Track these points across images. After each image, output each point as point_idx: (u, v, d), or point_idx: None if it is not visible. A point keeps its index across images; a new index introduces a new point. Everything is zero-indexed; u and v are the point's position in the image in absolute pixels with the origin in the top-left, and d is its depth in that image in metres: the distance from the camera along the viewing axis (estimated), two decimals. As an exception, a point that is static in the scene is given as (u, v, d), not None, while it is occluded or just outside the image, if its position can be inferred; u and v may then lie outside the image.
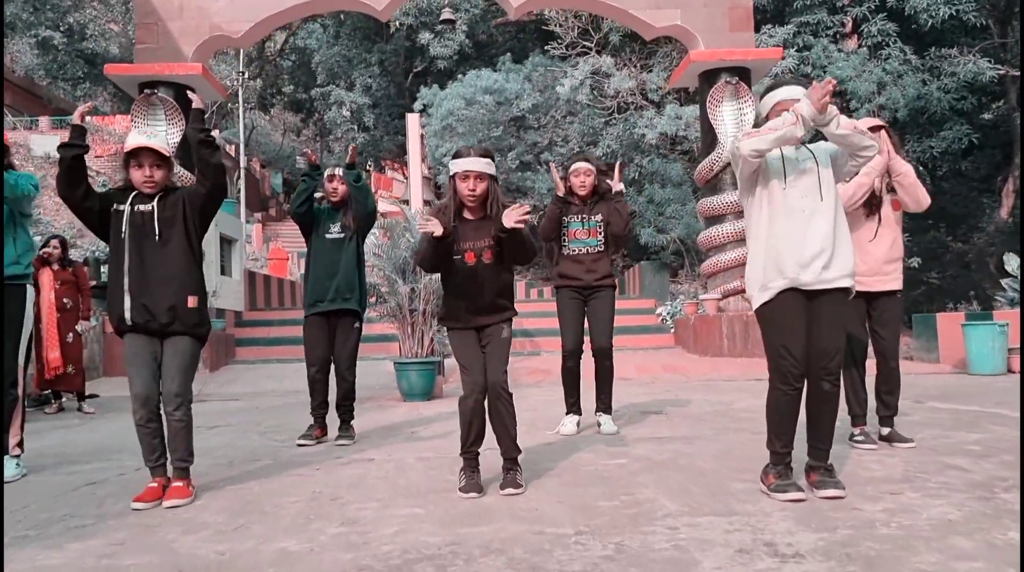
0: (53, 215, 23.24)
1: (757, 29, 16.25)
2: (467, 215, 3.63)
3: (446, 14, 12.84)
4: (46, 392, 8.03)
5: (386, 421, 6.21)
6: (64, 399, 8.17)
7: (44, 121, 32.07)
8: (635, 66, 19.27)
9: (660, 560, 2.43)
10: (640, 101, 18.92)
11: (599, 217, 5.20)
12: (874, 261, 4.33)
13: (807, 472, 3.32)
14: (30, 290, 4.51)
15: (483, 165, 3.56)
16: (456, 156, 3.63)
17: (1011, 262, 10.74)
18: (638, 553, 2.51)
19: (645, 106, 18.76)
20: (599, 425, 5.24)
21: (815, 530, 2.69)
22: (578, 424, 5.29)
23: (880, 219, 4.37)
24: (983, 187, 22.50)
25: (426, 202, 13.71)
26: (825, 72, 16.88)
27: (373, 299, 8.57)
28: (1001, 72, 16.43)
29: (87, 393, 8.20)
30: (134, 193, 3.61)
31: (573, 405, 5.33)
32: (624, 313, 12.99)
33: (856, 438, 4.32)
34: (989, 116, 17.79)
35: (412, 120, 9.21)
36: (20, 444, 4.52)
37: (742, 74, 11.32)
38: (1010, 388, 7.32)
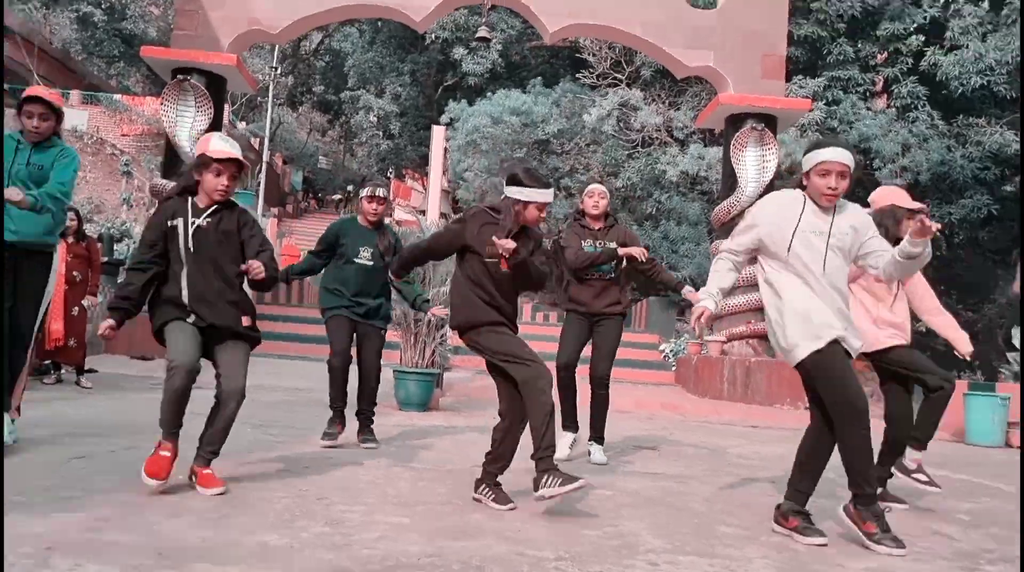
0: (75, 189, 23.43)
1: (788, 79, 16.35)
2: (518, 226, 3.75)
3: (483, 32, 12.94)
4: (46, 362, 8.06)
5: (380, 428, 6.20)
6: (63, 371, 8.19)
7: (75, 95, 32.29)
8: (664, 102, 19.39)
9: (638, 595, 2.43)
10: (665, 137, 19.02)
11: (613, 244, 5.20)
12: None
13: (786, 517, 3.34)
14: (56, 259, 4.54)
15: (551, 196, 3.76)
16: (520, 183, 3.68)
17: (1017, 336, 10.71)
18: (616, 586, 2.51)
19: (669, 143, 18.84)
20: (589, 453, 5.23)
21: (795, 581, 2.69)
22: (572, 443, 5.25)
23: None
24: (999, 259, 22.47)
25: (442, 214, 13.77)
26: (852, 127, 16.95)
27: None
28: (1028, 146, 16.47)
29: (86, 368, 8.23)
30: (190, 204, 3.64)
31: (570, 424, 5.29)
32: (627, 346, 12.94)
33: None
34: (1011, 188, 17.79)
35: (438, 132, 9.32)
36: (18, 409, 4.55)
37: (768, 121, 11.38)
38: (1006, 461, 7.28)
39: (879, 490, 4.33)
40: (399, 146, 31.02)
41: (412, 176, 31.95)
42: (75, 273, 7.92)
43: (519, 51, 26.70)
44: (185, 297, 3.56)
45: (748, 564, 2.86)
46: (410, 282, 5.45)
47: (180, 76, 11.10)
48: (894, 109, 17.43)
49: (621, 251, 5.16)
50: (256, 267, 3.61)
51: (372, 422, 5.32)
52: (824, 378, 3.28)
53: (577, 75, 21.19)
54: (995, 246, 22.24)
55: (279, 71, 31.22)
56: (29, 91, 4.37)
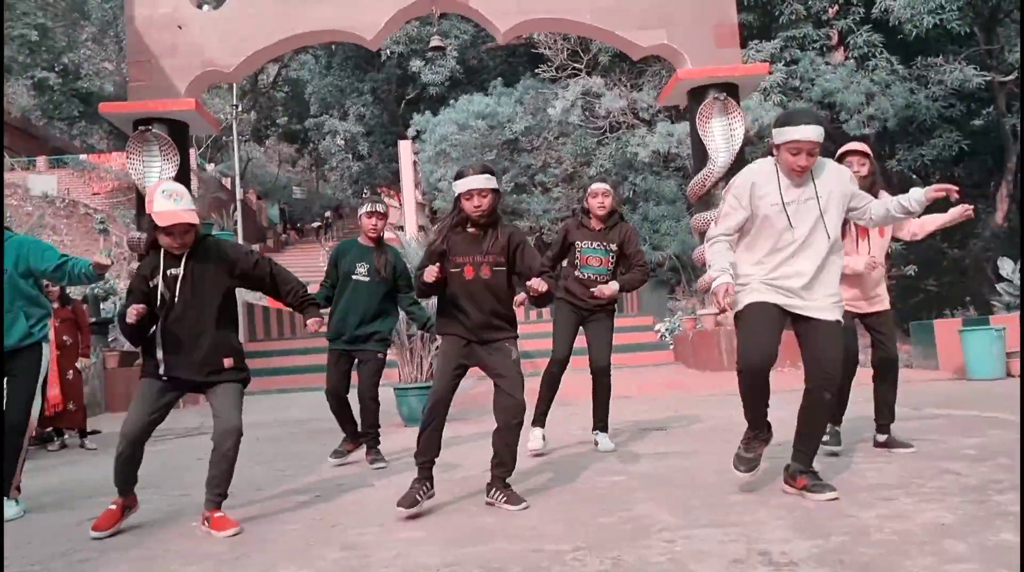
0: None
1: (744, 45, 16.40)
2: (469, 228, 3.71)
3: (435, 41, 12.95)
4: (48, 430, 8.04)
5: (387, 447, 6.20)
6: (66, 436, 8.17)
7: (41, 161, 32.25)
8: (625, 85, 19.43)
9: (655, 570, 2.46)
10: (632, 120, 19.06)
11: (614, 245, 5.20)
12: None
13: (794, 477, 3.38)
14: (45, 347, 4.46)
15: (484, 181, 3.66)
16: (458, 177, 3.74)
17: (1005, 266, 10.79)
18: (634, 567, 2.53)
19: (637, 124, 18.89)
20: (596, 443, 5.26)
21: (809, 537, 2.72)
22: (544, 437, 5.26)
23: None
24: (977, 193, 22.58)
25: (420, 227, 13.79)
26: (813, 84, 17.03)
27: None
28: (988, 79, 16.56)
29: (89, 429, 8.21)
30: (162, 255, 3.63)
31: (541, 416, 5.27)
32: (623, 331, 13.00)
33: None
34: (980, 122, 17.91)
35: (404, 147, 9.34)
36: (18, 488, 4.54)
37: (730, 90, 11.41)
38: (1008, 392, 7.33)
39: (884, 437, 4.39)
40: (370, 166, 30.98)
41: (386, 193, 31.95)
42: (65, 337, 7.90)
43: (476, 55, 26.71)
44: (160, 355, 3.59)
45: (762, 527, 2.89)
46: (419, 304, 5.50)
47: (142, 127, 11.07)
48: (852, 60, 17.49)
49: (595, 291, 5.12)
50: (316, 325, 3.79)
51: (378, 443, 5.34)
52: (740, 324, 3.47)
53: (536, 71, 21.23)
54: (971, 180, 22.36)
55: (240, 108, 31.17)
56: None
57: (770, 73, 15.24)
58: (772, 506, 3.22)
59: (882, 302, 4.52)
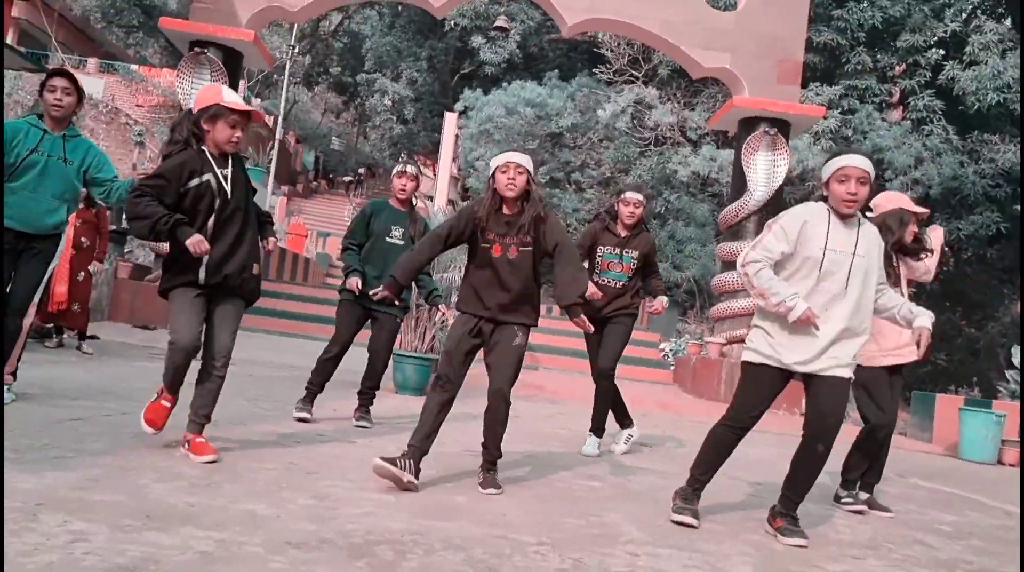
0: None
1: (805, 85, 16.31)
2: (504, 209, 3.70)
3: (501, 21, 12.95)
4: (48, 325, 8.12)
5: (375, 410, 6.25)
6: (65, 335, 8.25)
7: (92, 63, 32.38)
8: (679, 102, 19.36)
9: (613, 581, 2.47)
10: (678, 137, 19.00)
11: (635, 253, 5.19)
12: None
13: (775, 517, 3.39)
14: (63, 238, 4.62)
15: (523, 159, 3.67)
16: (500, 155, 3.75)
17: (1017, 355, 10.71)
18: (593, 568, 2.54)
19: (682, 143, 18.83)
20: (586, 442, 5.27)
21: (769, 578, 2.72)
22: (627, 439, 5.46)
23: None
24: (1005, 277, 22.42)
25: (450, 201, 13.79)
26: (865, 138, 16.91)
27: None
28: (1041, 165, 16.42)
29: (89, 334, 8.29)
30: (208, 156, 3.57)
31: (626, 422, 5.46)
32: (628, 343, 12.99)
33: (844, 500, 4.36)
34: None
35: (450, 119, 9.35)
36: (14, 373, 4.61)
37: (782, 126, 11.36)
38: (996, 478, 7.29)
39: (867, 496, 4.37)
40: (412, 131, 31.03)
41: (423, 161, 31.99)
42: (83, 239, 7.97)
43: (537, 43, 26.65)
44: (211, 257, 3.52)
45: (726, 560, 2.89)
46: (428, 274, 5.49)
47: (197, 49, 11.12)
48: (909, 121, 17.38)
49: (652, 310, 5.27)
50: (272, 245, 3.84)
51: (372, 403, 5.36)
52: (743, 380, 3.49)
53: (594, 70, 21.17)
54: (1002, 264, 22.17)
55: (296, 50, 31.20)
56: (54, 69, 4.46)
57: (825, 118, 15.15)
58: (739, 541, 3.23)
59: (907, 357, 4.42)
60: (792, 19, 11.55)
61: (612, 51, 20.04)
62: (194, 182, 3.52)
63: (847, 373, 3.35)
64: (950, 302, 23.38)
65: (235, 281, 3.62)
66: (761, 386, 3.41)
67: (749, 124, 11.47)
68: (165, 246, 3.79)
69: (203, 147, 3.58)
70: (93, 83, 30.32)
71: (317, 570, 2.24)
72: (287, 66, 29.59)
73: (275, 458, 3.72)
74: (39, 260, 4.32)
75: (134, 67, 32.93)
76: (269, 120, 33.04)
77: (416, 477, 3.42)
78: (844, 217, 3.37)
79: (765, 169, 11.27)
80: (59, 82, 4.29)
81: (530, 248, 3.68)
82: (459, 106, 22.71)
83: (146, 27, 37.23)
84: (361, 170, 39.00)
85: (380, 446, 4.41)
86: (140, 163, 27.16)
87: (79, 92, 4.43)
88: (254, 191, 3.85)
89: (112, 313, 11.05)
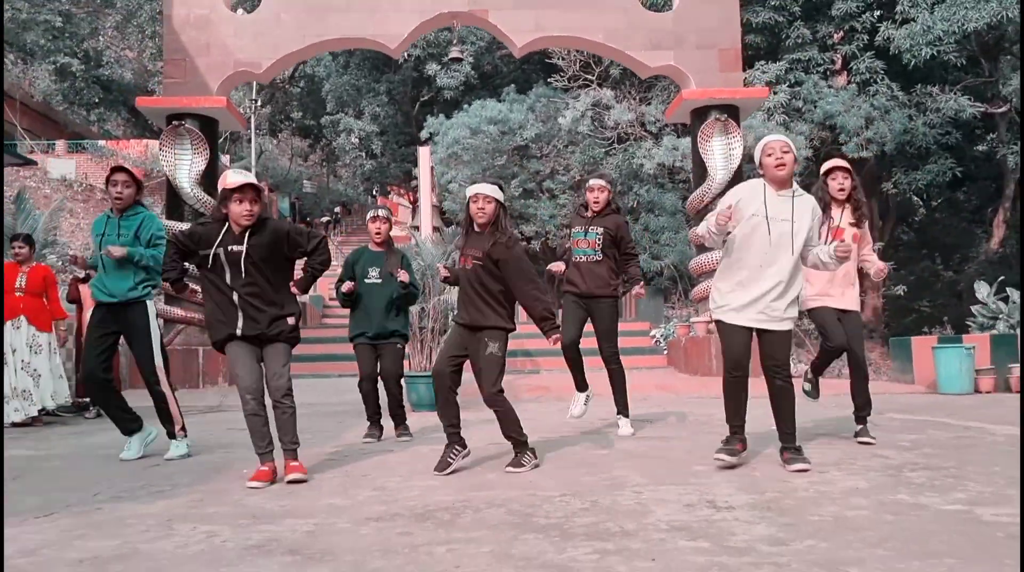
0: (69, 237, 24.00)
1: (751, 65, 17.08)
2: (475, 228, 4.38)
3: (454, 52, 13.64)
4: (85, 399, 8.72)
5: (389, 431, 6.90)
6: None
7: (60, 145, 32.92)
8: (634, 99, 20.08)
9: (623, 511, 3.15)
10: (639, 132, 19.71)
11: (600, 229, 5.64)
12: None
13: (781, 453, 4.10)
14: (150, 305, 5.14)
15: (490, 189, 4.32)
16: (472, 184, 4.45)
17: (981, 290, 11.44)
18: (607, 507, 3.22)
19: (644, 137, 19.54)
20: (619, 426, 5.76)
21: (749, 493, 3.40)
22: (587, 400, 5.64)
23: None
24: (975, 218, 23.22)
25: (435, 228, 14.48)
26: (816, 106, 17.68)
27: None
28: (981, 110, 17.21)
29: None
30: (226, 230, 4.14)
31: (581, 383, 5.71)
32: (620, 335, 13.67)
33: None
34: (984, 148, 18.50)
35: (423, 153, 10.06)
36: (183, 428, 5.22)
37: (731, 111, 12.10)
38: (970, 405, 7.98)
39: (860, 427, 5.06)
40: (382, 164, 31.69)
41: (397, 192, 32.66)
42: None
43: (490, 60, 27.37)
44: (240, 307, 4.12)
45: (714, 487, 3.57)
46: (416, 286, 6.19)
47: (175, 122, 11.76)
48: (855, 85, 18.11)
49: (635, 295, 5.88)
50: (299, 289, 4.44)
51: (405, 418, 6.08)
52: (720, 336, 4.21)
53: (549, 80, 21.87)
54: (970, 205, 22.99)
55: (259, 102, 31.86)
56: (115, 166, 5.22)
57: (774, 93, 15.94)
58: (726, 474, 3.90)
59: (852, 303, 5.11)
60: (725, 9, 12.30)
61: (563, 59, 20.76)
62: (205, 252, 4.16)
63: (787, 326, 4.06)
64: (927, 250, 24.20)
65: (271, 333, 4.21)
66: (736, 334, 4.10)
67: (701, 113, 12.20)
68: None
69: (228, 224, 4.19)
70: (65, 164, 30.84)
71: (395, 532, 2.91)
72: (252, 119, 30.27)
73: (332, 470, 4.38)
74: (137, 330, 5.09)
75: (102, 143, 33.49)
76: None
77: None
78: (779, 187, 4.08)
79: (722, 153, 12.00)
80: (119, 177, 5.10)
81: (482, 263, 4.29)
82: (424, 134, 23.36)
83: (106, 102, 37.85)
84: (337, 209, 39.66)
85: (416, 450, 5.07)
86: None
87: (138, 184, 5.22)
88: (300, 240, 4.35)
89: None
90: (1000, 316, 10.93)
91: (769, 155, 4.08)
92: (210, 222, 4.31)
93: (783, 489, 3.48)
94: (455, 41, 13.45)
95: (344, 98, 31.14)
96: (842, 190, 5.02)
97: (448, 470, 4.14)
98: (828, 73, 18.99)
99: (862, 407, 5.14)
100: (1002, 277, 12.27)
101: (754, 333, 4.11)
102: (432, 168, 12.97)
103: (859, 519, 2.92)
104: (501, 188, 4.42)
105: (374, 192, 32.98)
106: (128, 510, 3.38)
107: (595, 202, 5.68)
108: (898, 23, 17.26)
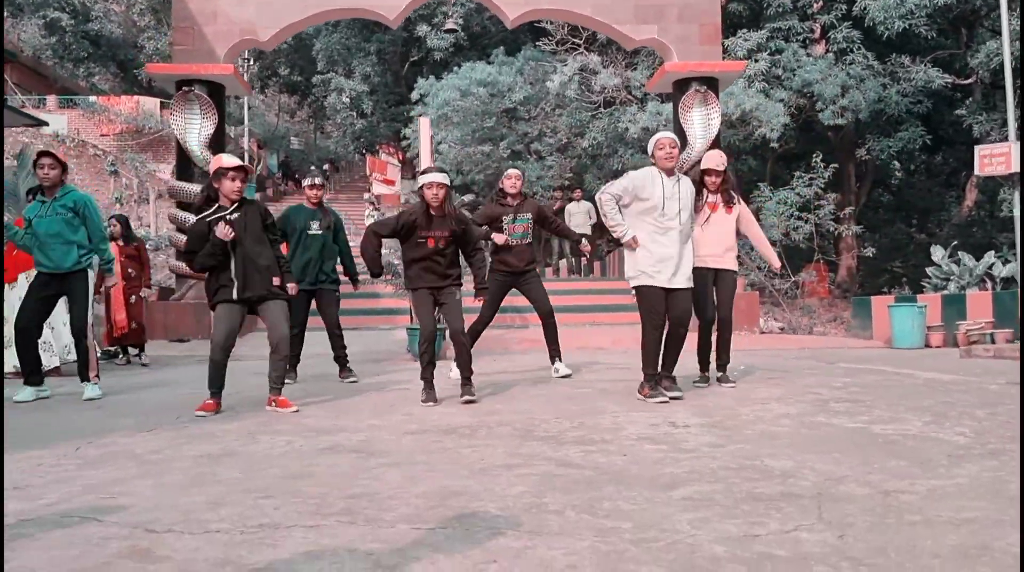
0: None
1: (733, 33, 17.77)
2: (432, 212, 5.31)
3: (450, 24, 14.29)
4: (115, 348, 9.55)
5: (403, 373, 7.78)
6: (131, 353, 9.65)
7: (51, 100, 33.18)
8: (620, 64, 20.75)
9: (603, 428, 4.05)
10: (625, 97, 20.41)
11: (528, 215, 6.75)
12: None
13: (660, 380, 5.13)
14: (90, 274, 6.09)
15: (443, 177, 5.36)
16: (423, 174, 5.43)
17: (936, 253, 12.39)
18: (591, 426, 4.13)
19: (629, 101, 20.25)
20: (556, 370, 6.73)
21: (701, 417, 4.32)
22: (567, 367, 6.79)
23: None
24: (949, 182, 24.11)
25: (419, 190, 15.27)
26: (794, 75, 18.44)
27: (390, 276, 10.13)
28: (949, 81, 18.02)
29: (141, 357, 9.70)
30: (217, 206, 5.03)
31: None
32: (604, 293, 14.65)
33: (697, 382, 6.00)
34: (962, 112, 19.28)
35: (424, 123, 10.75)
36: (97, 375, 6.11)
37: (710, 83, 12.87)
38: (914, 357, 8.93)
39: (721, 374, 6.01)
40: (372, 124, 32.21)
41: (386, 150, 33.21)
42: (129, 270, 9.40)
43: (479, 22, 27.83)
44: (235, 277, 4.98)
45: (674, 413, 4.50)
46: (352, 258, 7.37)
47: (185, 88, 12.41)
48: (832, 54, 18.83)
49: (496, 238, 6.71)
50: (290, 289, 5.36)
51: (347, 361, 6.98)
52: (642, 300, 5.18)
53: (537, 43, 22.45)
54: (946, 169, 23.86)
55: (251, 61, 32.18)
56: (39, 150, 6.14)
57: (755, 61, 16.67)
58: (683, 406, 4.80)
59: (726, 265, 5.98)
60: (707, -15, 13.01)
61: (552, 23, 21.35)
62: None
63: (687, 285, 5.14)
64: (903, 212, 25.15)
65: (261, 294, 5.08)
66: (654, 297, 5.10)
67: (682, 85, 12.96)
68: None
69: (219, 202, 5.10)
70: (56, 120, 31.10)
71: (429, 441, 3.79)
72: (244, 76, 30.66)
73: (363, 404, 5.26)
74: (76, 293, 6.05)
75: (93, 99, 33.76)
76: (230, 131, 34.09)
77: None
78: (668, 173, 5.14)
79: (701, 123, 12.80)
80: (46, 161, 5.90)
81: (451, 238, 5.34)
82: (414, 95, 23.90)
83: (95, 57, 38.01)
84: (325, 166, 40.19)
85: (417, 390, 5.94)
86: (120, 194, 28.18)
87: (62, 166, 6.05)
88: (271, 221, 5.29)
89: (150, 333, 12.43)
90: (951, 277, 11.89)
91: (660, 149, 5.18)
92: (205, 206, 5.16)
93: (729, 415, 4.39)
94: (450, 15, 14.05)
95: (334, 57, 31.50)
96: (717, 185, 5.96)
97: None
98: (807, 42, 19.68)
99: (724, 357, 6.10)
100: (961, 241, 13.21)
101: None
102: (432, 137, 13.65)
103: (781, 432, 3.83)
104: (447, 173, 5.46)
105: (363, 152, 33.55)
106: (212, 428, 4.25)
107: (512, 187, 6.77)
108: (873, -6, 17.94)
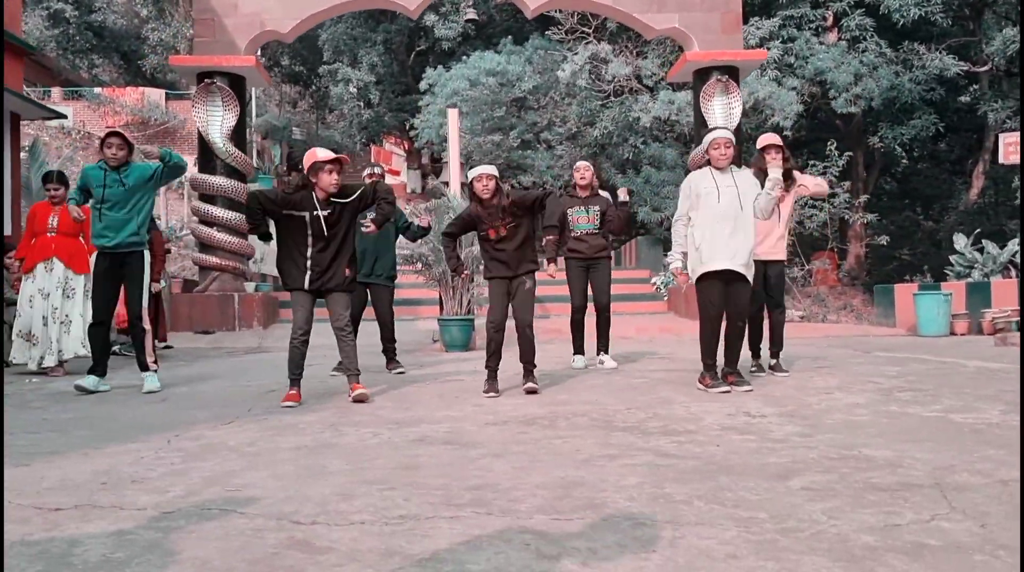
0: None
1: (745, 21, 17.69)
2: (484, 204, 5.40)
3: (470, 14, 14.26)
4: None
5: (448, 366, 7.79)
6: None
7: (56, 92, 33.08)
8: (631, 52, 20.71)
9: (680, 418, 4.09)
10: (636, 85, 20.39)
11: (597, 208, 6.85)
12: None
13: (725, 376, 5.15)
14: (146, 254, 6.15)
15: (491, 169, 5.46)
16: (471, 170, 5.54)
17: (959, 241, 12.43)
18: (666, 416, 4.16)
19: (640, 90, 20.22)
20: (601, 362, 6.81)
21: (774, 407, 4.36)
22: (585, 364, 6.83)
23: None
24: (955, 169, 24.13)
25: (463, 185, 15.30)
26: (807, 62, 18.43)
27: (419, 266, 10.15)
28: (964, 68, 18.00)
29: (164, 345, 9.65)
30: (314, 198, 5.01)
31: (579, 350, 6.97)
32: (623, 282, 14.64)
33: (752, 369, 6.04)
34: (967, 99, 19.27)
35: (452, 115, 10.88)
36: (156, 361, 6.16)
37: (731, 72, 12.87)
38: (945, 345, 9.00)
39: (774, 362, 6.05)
40: (379, 114, 32.11)
41: (391, 141, 33.16)
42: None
43: (485, 11, 27.74)
44: (309, 268, 5.00)
45: (745, 403, 4.54)
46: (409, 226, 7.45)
47: (207, 80, 12.39)
48: (845, 42, 18.81)
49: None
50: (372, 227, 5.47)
51: (395, 353, 7.14)
52: (700, 292, 5.28)
53: (546, 31, 22.38)
54: (953, 157, 23.87)
55: (258, 53, 32.00)
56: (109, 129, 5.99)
57: (768, 49, 16.64)
58: (751, 396, 4.84)
59: (777, 256, 6.06)
60: (727, -27, 12.99)
61: (560, 11, 21.28)
62: (293, 213, 5.03)
63: (748, 274, 5.14)
64: (909, 199, 25.17)
65: (333, 286, 5.11)
66: (711, 288, 5.17)
67: (703, 74, 12.96)
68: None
69: (313, 192, 5.07)
70: (62, 111, 31.00)
71: (513, 432, 3.82)
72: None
73: (426, 393, 5.32)
74: (133, 276, 6.05)
75: (97, 90, 33.65)
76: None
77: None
78: (721, 169, 5.19)
79: (722, 112, 12.80)
80: (114, 140, 5.79)
81: (513, 222, 5.40)
82: (422, 85, 23.82)
83: (99, 48, 37.86)
84: (333, 157, 40.01)
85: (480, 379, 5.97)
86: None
87: (129, 145, 5.93)
88: (357, 211, 5.27)
89: (174, 325, 12.44)
90: (975, 265, 11.94)
91: (715, 148, 5.22)
92: (298, 191, 5.13)
93: (800, 404, 4.43)
94: (469, 3, 14.02)
95: (341, 47, 31.38)
96: (778, 164, 5.96)
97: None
98: (819, 30, 19.65)
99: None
100: (979, 229, 13.24)
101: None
102: (460, 130, 13.72)
103: (862, 421, 3.88)
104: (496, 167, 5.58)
105: (366, 142, 33.48)
106: (291, 420, 4.28)
107: (582, 179, 6.91)
108: (888, -18, 17.91)
